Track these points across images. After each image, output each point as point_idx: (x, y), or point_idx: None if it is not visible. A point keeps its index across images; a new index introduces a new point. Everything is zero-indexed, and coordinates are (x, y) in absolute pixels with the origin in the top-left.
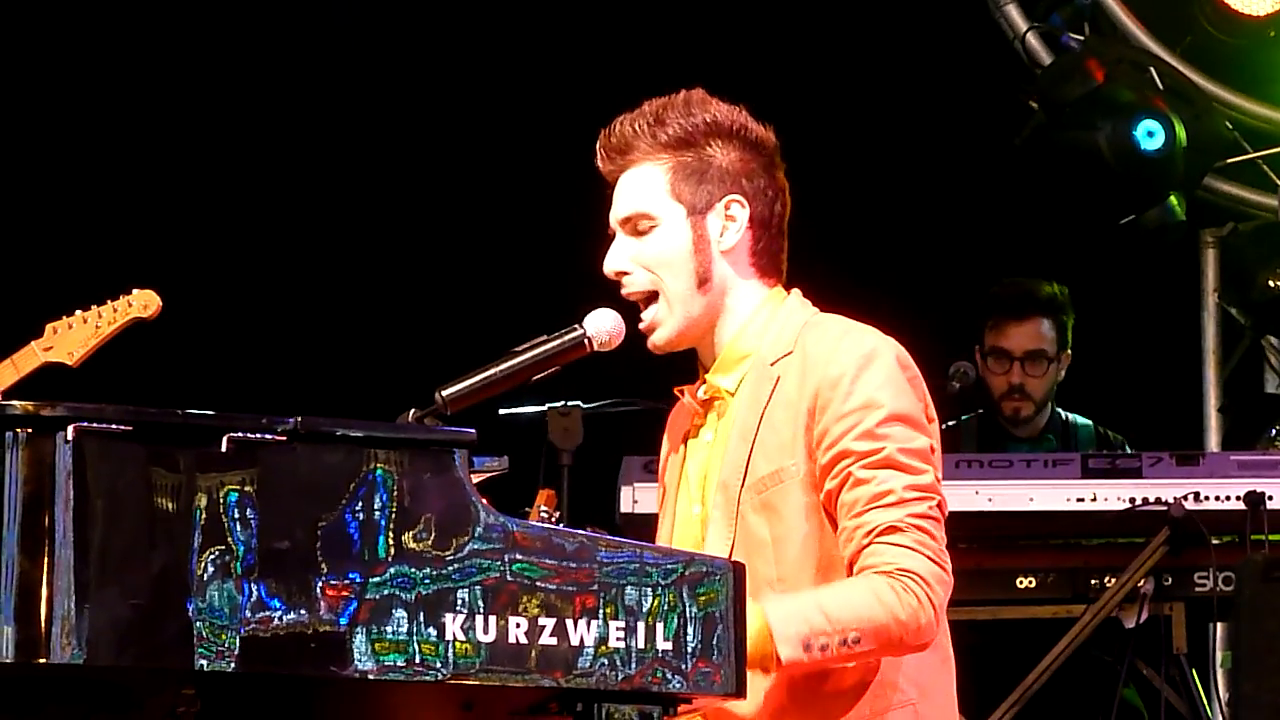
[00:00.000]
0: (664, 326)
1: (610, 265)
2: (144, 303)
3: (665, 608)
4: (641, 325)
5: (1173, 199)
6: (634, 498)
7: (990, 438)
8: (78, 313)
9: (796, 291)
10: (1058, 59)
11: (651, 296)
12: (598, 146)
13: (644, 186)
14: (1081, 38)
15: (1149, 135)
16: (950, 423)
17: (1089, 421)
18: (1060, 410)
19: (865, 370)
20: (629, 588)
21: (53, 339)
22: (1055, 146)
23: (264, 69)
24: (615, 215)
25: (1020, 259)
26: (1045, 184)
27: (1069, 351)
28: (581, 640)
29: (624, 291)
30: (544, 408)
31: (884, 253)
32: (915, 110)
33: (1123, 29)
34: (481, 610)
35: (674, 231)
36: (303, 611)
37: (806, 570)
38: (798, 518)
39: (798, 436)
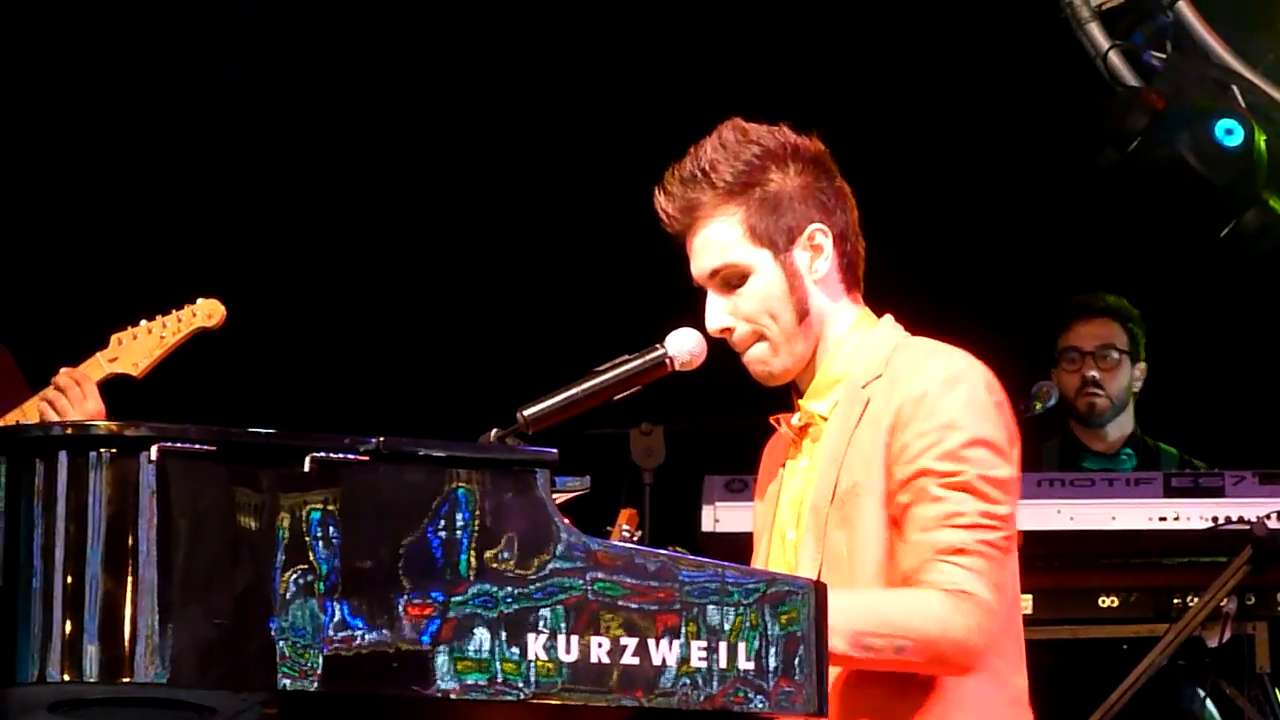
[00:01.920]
0: (772, 365)
1: (712, 324)
2: (208, 312)
3: (747, 627)
4: (747, 363)
5: (1268, 198)
6: (715, 516)
7: (1070, 456)
8: (143, 322)
9: (889, 316)
10: (1114, 96)
11: (757, 338)
12: (658, 209)
13: (722, 240)
14: (1163, 56)
15: (1228, 133)
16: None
17: (1174, 450)
18: (1145, 436)
19: (950, 390)
20: (711, 607)
21: (117, 350)
22: (1138, 171)
23: (348, 83)
24: (699, 271)
25: (1102, 279)
26: (1135, 206)
27: (1144, 364)
28: (664, 660)
29: (732, 343)
30: (625, 428)
31: (966, 274)
32: (997, 129)
33: (1204, 47)
34: (563, 629)
35: (766, 277)
36: (385, 631)
37: (880, 585)
38: (873, 532)
39: (877, 451)
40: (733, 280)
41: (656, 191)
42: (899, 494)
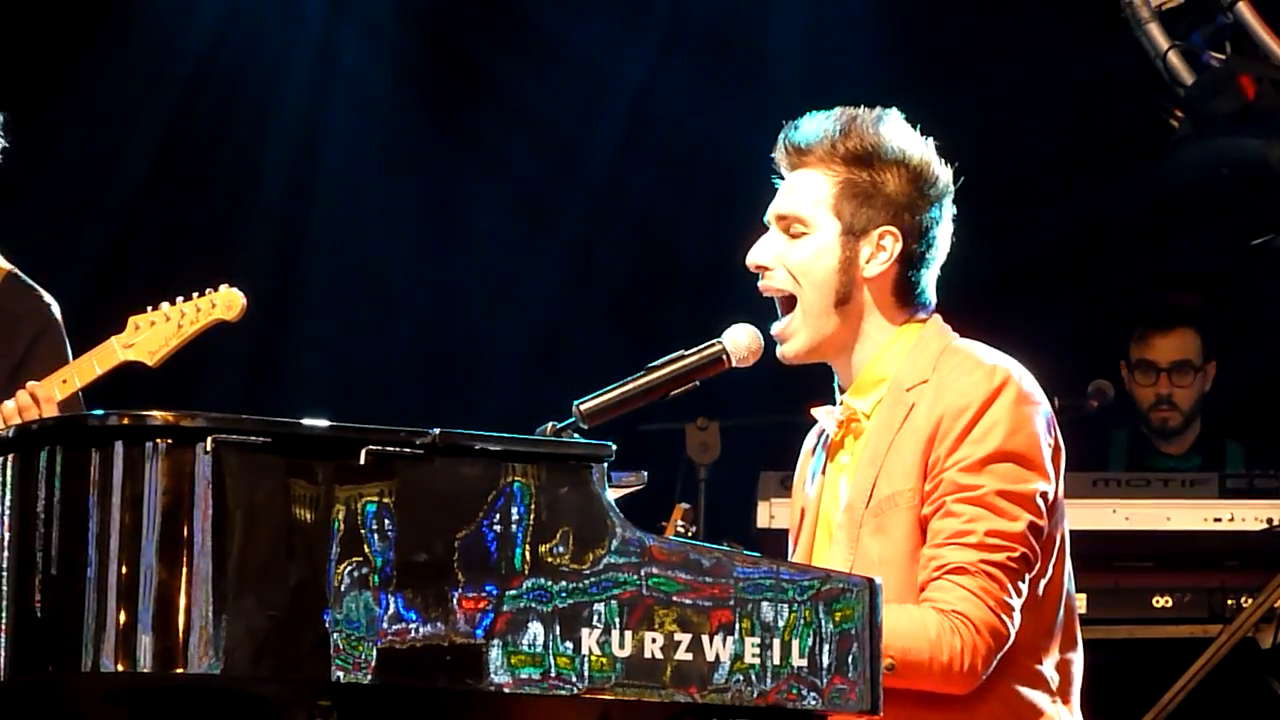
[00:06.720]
0: (795, 339)
1: (754, 257)
2: (227, 303)
3: (801, 624)
4: (774, 331)
5: None
6: (770, 513)
7: (1138, 453)
8: (164, 306)
9: (936, 316)
10: (1208, 73)
11: (789, 302)
12: (780, 138)
13: (809, 191)
14: (1223, 56)
15: None
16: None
17: (1240, 446)
18: (1214, 433)
19: (990, 405)
20: (765, 604)
21: (134, 336)
22: (1208, 152)
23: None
24: (774, 209)
25: (1164, 274)
26: (1196, 193)
27: (1214, 362)
28: (717, 656)
29: (761, 284)
30: (681, 424)
31: (1025, 271)
32: (1055, 126)
33: (1264, 47)
34: (617, 624)
35: (824, 245)
36: (439, 624)
37: (913, 597)
38: (907, 543)
39: (917, 462)
40: (794, 230)
41: (787, 123)
42: (924, 507)
